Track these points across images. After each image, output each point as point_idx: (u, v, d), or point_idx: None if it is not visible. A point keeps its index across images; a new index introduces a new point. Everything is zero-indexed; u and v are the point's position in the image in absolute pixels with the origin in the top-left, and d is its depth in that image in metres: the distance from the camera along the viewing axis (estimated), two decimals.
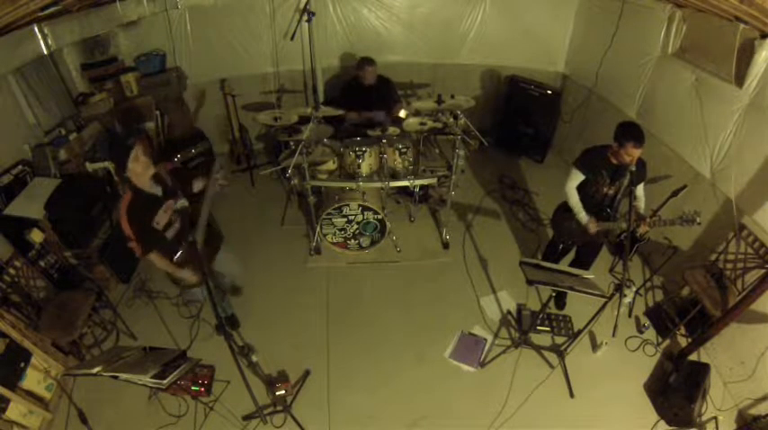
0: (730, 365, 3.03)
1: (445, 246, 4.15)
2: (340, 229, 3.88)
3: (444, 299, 3.66)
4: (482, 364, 3.18)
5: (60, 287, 3.15)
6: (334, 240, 3.97)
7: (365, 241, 3.99)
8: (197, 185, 2.65)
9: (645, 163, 2.76)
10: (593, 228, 2.89)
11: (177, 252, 2.49)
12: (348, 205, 3.70)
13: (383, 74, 4.41)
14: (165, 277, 2.71)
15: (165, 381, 1.89)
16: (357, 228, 3.88)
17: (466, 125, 3.62)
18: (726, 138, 3.09)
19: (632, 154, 2.58)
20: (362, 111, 4.26)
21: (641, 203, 2.91)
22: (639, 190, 2.86)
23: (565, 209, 3.06)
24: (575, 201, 2.93)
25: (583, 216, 2.92)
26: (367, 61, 4.20)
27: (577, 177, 2.89)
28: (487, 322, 3.49)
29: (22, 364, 2.65)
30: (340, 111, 3.69)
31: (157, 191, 2.40)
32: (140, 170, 2.26)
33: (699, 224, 2.66)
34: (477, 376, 3.13)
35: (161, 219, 2.40)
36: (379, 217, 3.79)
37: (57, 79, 3.84)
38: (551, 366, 3.15)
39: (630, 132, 2.60)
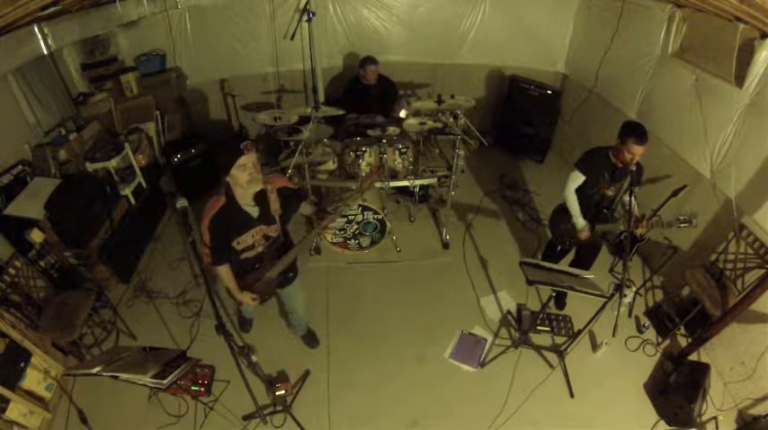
0: (730, 365, 3.03)
1: (445, 246, 4.15)
2: (340, 229, 3.88)
3: (444, 299, 3.66)
4: (482, 364, 3.18)
5: (60, 287, 3.15)
6: (334, 240, 3.96)
7: (365, 241, 3.99)
8: (305, 209, 2.40)
9: (642, 168, 2.76)
10: (584, 235, 2.91)
11: (245, 274, 2.33)
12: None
13: (384, 74, 4.41)
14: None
15: (165, 381, 1.88)
16: (357, 228, 3.88)
17: (466, 125, 3.63)
18: (726, 138, 3.09)
19: (634, 151, 2.58)
20: (364, 111, 4.27)
21: (634, 207, 2.92)
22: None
23: (562, 210, 3.06)
24: (574, 205, 2.93)
25: (580, 221, 2.92)
26: (370, 60, 4.21)
27: (578, 179, 2.88)
28: (487, 322, 3.49)
29: (22, 364, 2.65)
30: (341, 112, 3.69)
31: (254, 211, 2.16)
32: (244, 181, 2.00)
33: (695, 226, 2.66)
34: (477, 376, 3.13)
35: (245, 241, 2.20)
36: (379, 217, 3.79)
37: (57, 79, 3.85)
38: (551, 366, 3.15)
39: (634, 129, 2.62)
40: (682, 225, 2.62)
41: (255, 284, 2.37)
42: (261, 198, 2.13)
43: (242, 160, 1.96)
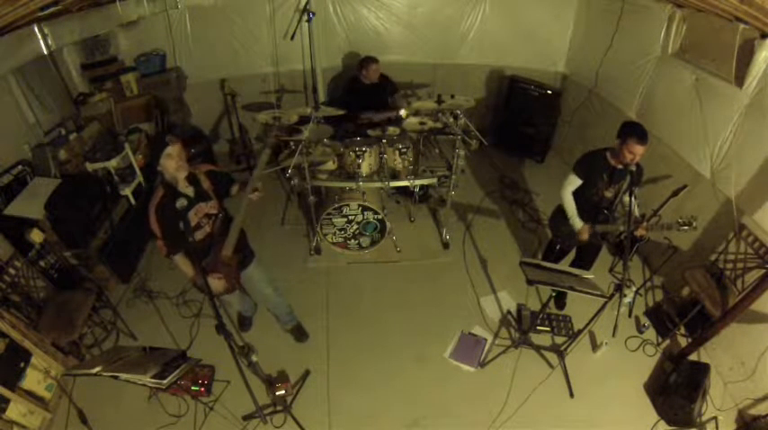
0: (730, 365, 3.03)
1: (445, 246, 4.14)
2: (340, 229, 3.88)
3: (444, 298, 3.66)
4: (482, 364, 3.18)
5: (60, 287, 3.15)
6: (335, 240, 3.96)
7: (365, 241, 3.99)
8: (234, 189, 2.58)
9: (642, 168, 2.76)
10: (584, 235, 2.90)
11: (203, 257, 2.42)
12: (348, 205, 3.70)
13: (383, 73, 4.41)
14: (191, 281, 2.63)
15: (165, 381, 1.89)
16: (357, 228, 3.88)
17: (466, 125, 3.62)
18: (726, 139, 3.09)
19: (634, 151, 2.58)
20: (364, 110, 4.27)
21: (634, 208, 2.91)
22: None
23: (562, 210, 3.06)
24: (570, 206, 2.92)
25: (577, 221, 2.91)
26: (371, 59, 4.22)
27: (575, 182, 2.88)
28: (487, 322, 3.49)
29: (22, 364, 2.65)
30: (341, 112, 3.69)
31: (189, 191, 2.38)
32: (172, 168, 2.26)
33: (695, 228, 2.66)
34: (477, 376, 3.13)
35: (190, 220, 2.38)
36: (379, 217, 3.79)
37: (57, 79, 3.85)
38: (551, 366, 3.15)
39: (634, 129, 2.62)
40: (682, 228, 2.62)
41: (218, 266, 2.47)
42: (192, 179, 2.38)
43: (168, 150, 2.23)
